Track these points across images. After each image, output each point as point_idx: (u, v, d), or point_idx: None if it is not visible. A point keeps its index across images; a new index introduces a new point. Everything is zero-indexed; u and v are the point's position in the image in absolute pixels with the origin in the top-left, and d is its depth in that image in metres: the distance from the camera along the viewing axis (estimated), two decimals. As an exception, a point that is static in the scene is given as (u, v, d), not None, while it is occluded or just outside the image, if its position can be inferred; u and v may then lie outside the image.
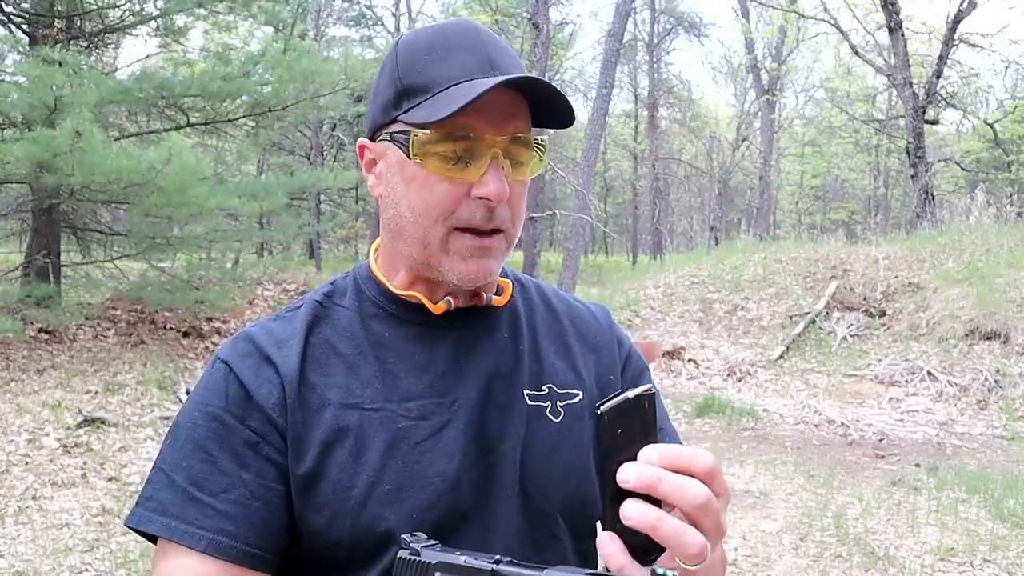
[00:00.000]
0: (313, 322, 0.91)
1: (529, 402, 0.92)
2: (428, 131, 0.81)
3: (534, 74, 0.84)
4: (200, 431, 0.85)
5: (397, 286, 0.93)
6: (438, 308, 0.91)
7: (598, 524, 0.99)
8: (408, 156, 0.84)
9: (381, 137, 0.88)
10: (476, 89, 0.78)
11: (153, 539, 0.84)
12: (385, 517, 0.83)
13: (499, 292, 0.96)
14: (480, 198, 0.83)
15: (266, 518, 0.83)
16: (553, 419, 0.92)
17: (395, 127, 0.85)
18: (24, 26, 8.47)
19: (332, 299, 0.95)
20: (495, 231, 0.86)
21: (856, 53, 16.40)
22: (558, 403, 0.94)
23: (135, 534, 0.86)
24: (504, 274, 0.99)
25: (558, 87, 0.83)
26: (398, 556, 0.72)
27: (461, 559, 0.68)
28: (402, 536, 0.73)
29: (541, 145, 0.88)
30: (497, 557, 0.67)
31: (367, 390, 0.87)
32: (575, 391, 0.95)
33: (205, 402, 0.86)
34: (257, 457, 0.84)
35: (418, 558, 0.70)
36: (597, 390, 0.98)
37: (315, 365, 0.88)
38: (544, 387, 0.94)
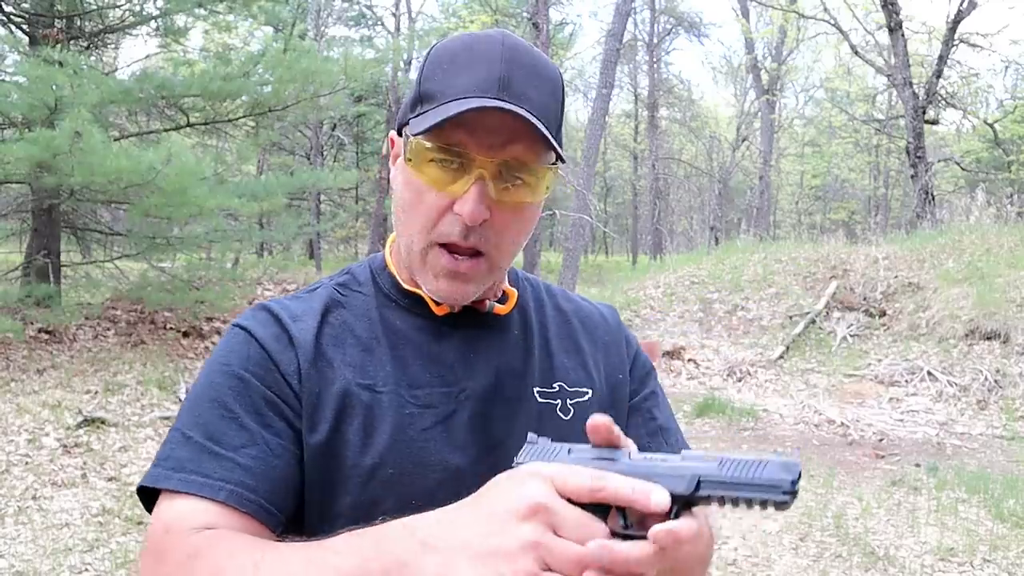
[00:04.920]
0: (331, 303, 0.94)
1: (539, 399, 0.93)
2: (420, 139, 0.83)
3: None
4: (219, 388, 0.85)
5: (406, 281, 0.95)
6: (440, 309, 0.93)
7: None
8: (405, 160, 0.86)
9: (402, 134, 0.91)
10: (457, 108, 0.80)
11: (151, 508, 0.83)
12: (385, 499, 0.84)
13: (504, 300, 0.97)
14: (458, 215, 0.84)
15: (284, 477, 0.84)
16: (563, 417, 0.94)
17: (406, 128, 0.88)
18: (24, 26, 8.46)
19: (349, 287, 0.97)
20: (476, 253, 0.86)
21: (856, 53, 16.39)
22: (568, 401, 0.95)
23: (136, 528, 0.85)
24: (514, 277, 1.01)
25: (541, 127, 0.81)
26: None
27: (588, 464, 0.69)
28: (516, 460, 0.74)
29: (547, 170, 0.86)
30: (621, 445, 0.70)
31: (380, 372, 0.89)
32: (585, 389, 0.97)
33: (224, 362, 0.87)
34: (277, 418, 0.85)
35: None
36: (607, 388, 0.99)
37: (332, 341, 0.90)
38: (555, 385, 0.95)
